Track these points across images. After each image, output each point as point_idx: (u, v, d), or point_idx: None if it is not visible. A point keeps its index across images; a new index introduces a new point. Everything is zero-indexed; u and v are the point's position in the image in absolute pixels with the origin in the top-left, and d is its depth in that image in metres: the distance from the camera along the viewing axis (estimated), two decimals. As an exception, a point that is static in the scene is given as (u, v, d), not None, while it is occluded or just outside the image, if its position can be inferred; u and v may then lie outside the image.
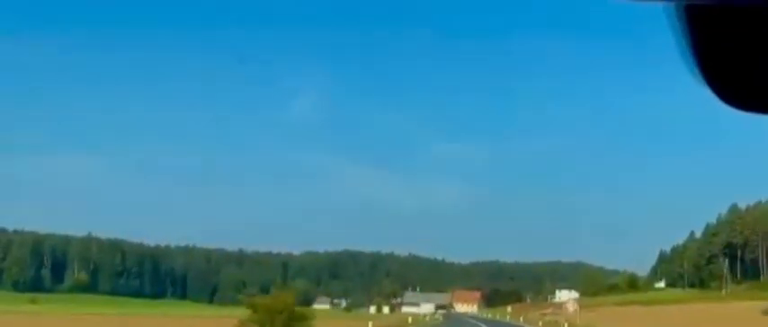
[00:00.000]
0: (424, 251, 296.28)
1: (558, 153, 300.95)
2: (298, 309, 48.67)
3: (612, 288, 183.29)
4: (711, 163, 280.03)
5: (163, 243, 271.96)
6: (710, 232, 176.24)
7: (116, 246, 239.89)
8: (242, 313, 50.19)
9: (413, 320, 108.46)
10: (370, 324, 63.14)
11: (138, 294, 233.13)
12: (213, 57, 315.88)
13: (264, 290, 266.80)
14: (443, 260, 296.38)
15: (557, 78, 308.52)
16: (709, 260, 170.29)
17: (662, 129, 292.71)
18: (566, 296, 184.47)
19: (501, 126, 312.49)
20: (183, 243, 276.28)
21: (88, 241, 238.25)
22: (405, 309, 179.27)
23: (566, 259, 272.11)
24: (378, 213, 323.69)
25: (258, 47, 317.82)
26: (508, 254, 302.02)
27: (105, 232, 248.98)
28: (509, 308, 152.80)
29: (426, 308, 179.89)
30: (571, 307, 74.67)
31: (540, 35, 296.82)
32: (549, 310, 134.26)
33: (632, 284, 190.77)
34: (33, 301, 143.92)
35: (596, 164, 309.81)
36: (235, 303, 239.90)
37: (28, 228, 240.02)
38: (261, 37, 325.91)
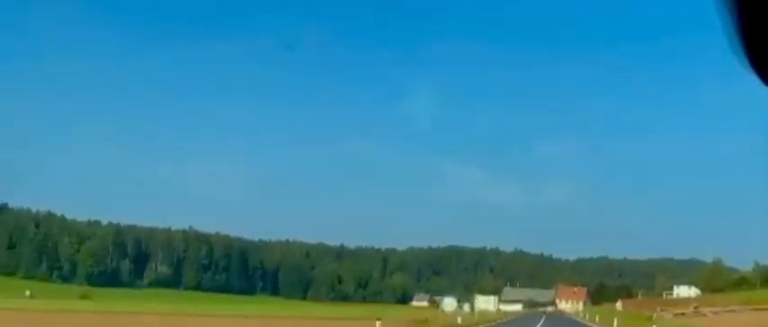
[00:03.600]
0: (531, 247, 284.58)
1: (668, 149, 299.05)
2: None
3: (740, 284, 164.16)
4: None
5: (265, 238, 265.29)
6: None
7: (202, 239, 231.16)
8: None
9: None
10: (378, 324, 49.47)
11: (225, 289, 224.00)
12: (321, 61, 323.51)
13: (361, 285, 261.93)
14: (550, 256, 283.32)
15: (664, 78, 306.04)
16: None
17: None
18: (684, 292, 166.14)
19: (612, 124, 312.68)
20: (282, 238, 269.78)
21: (172, 233, 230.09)
22: (501, 307, 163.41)
23: (678, 256, 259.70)
24: (484, 209, 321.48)
25: (372, 54, 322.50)
26: (617, 251, 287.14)
27: (206, 226, 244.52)
28: (618, 305, 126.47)
29: (484, 305, 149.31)
30: None
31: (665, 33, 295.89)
32: (690, 309, 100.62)
33: (767, 279, 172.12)
34: (85, 296, 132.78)
35: (709, 159, 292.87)
36: (330, 300, 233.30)
37: (125, 222, 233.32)
38: (377, 46, 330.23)
